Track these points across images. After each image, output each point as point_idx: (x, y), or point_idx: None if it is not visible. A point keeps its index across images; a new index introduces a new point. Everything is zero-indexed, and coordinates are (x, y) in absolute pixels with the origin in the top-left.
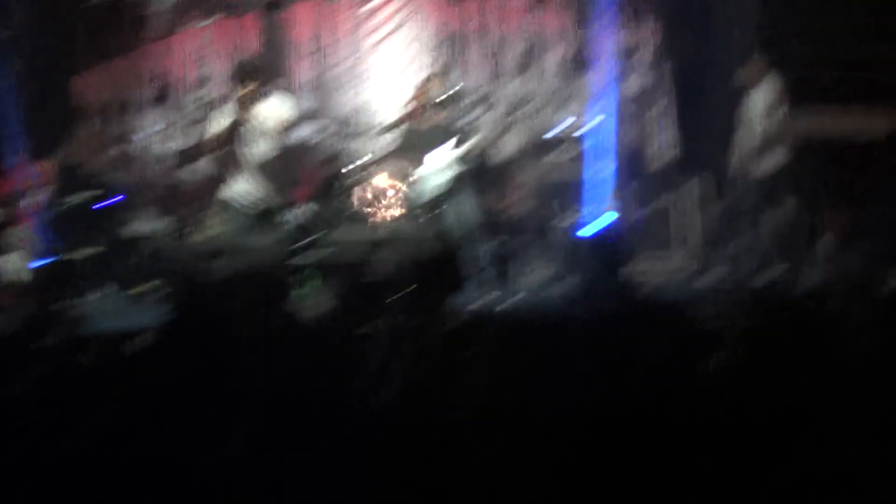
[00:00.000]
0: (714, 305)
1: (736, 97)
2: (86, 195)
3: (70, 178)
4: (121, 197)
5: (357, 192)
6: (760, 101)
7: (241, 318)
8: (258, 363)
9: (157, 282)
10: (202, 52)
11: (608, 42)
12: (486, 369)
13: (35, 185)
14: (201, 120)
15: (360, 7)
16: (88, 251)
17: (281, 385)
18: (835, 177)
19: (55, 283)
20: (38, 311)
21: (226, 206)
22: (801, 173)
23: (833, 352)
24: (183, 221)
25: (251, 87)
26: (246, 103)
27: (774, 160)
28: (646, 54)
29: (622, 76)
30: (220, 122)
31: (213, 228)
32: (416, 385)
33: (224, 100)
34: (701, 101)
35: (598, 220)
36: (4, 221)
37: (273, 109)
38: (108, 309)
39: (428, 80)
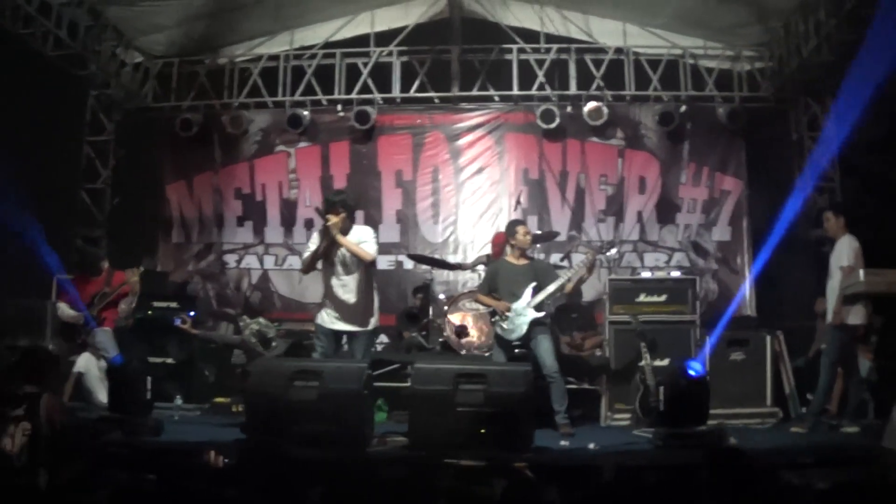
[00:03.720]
0: (796, 457)
1: (815, 252)
2: (167, 305)
3: (153, 288)
4: (194, 313)
5: (438, 323)
6: (839, 258)
7: (312, 442)
8: (327, 492)
9: (232, 397)
10: (288, 175)
11: (692, 193)
12: None
13: (119, 291)
14: (284, 239)
15: (449, 144)
16: (166, 359)
17: None
18: None
19: (130, 388)
20: (112, 415)
21: (316, 328)
22: (880, 328)
23: None
24: (264, 337)
25: (338, 216)
26: (331, 232)
27: (852, 315)
28: (729, 206)
29: (705, 226)
30: (308, 247)
31: (295, 348)
32: None
33: (308, 223)
34: (781, 255)
35: (682, 366)
36: (87, 324)
37: (356, 238)
38: (180, 419)
39: (517, 222)
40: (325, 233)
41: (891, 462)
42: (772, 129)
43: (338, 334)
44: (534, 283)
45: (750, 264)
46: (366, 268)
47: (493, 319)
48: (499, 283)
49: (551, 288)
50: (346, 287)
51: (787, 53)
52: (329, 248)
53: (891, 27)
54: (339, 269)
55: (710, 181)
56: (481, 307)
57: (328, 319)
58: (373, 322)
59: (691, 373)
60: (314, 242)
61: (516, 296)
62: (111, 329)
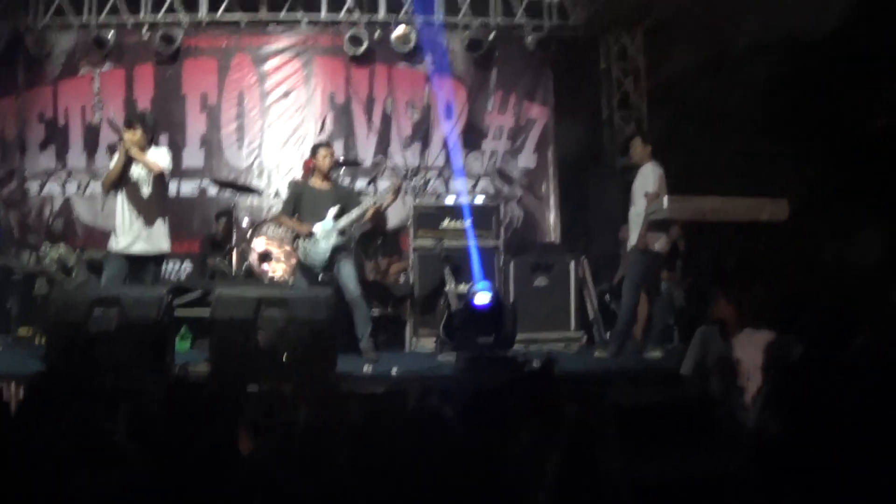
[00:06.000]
0: (596, 382)
1: (621, 180)
2: None
3: None
4: None
5: (242, 250)
6: (644, 185)
7: (116, 370)
8: (131, 418)
9: (35, 328)
10: (93, 99)
11: (499, 120)
12: (365, 438)
13: None
14: (86, 165)
15: (255, 68)
16: None
17: (149, 444)
18: (717, 258)
19: None
20: None
21: (107, 253)
22: (684, 254)
23: (708, 429)
24: (65, 265)
25: (135, 135)
26: (126, 147)
27: (656, 241)
28: (535, 134)
29: (511, 153)
30: (106, 167)
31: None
32: (293, 449)
33: (111, 148)
34: (586, 182)
35: (482, 292)
36: None
37: (153, 159)
38: None
39: (320, 144)
40: (121, 149)
41: (686, 388)
42: (581, 58)
43: (129, 259)
44: (337, 207)
45: (555, 191)
46: (160, 189)
47: (294, 244)
48: (301, 206)
49: (354, 213)
50: (140, 207)
51: None
52: (126, 166)
53: None
54: (133, 188)
55: (516, 109)
56: (283, 231)
57: (122, 243)
58: (165, 245)
59: (477, 297)
60: (114, 161)
61: (319, 219)
62: None
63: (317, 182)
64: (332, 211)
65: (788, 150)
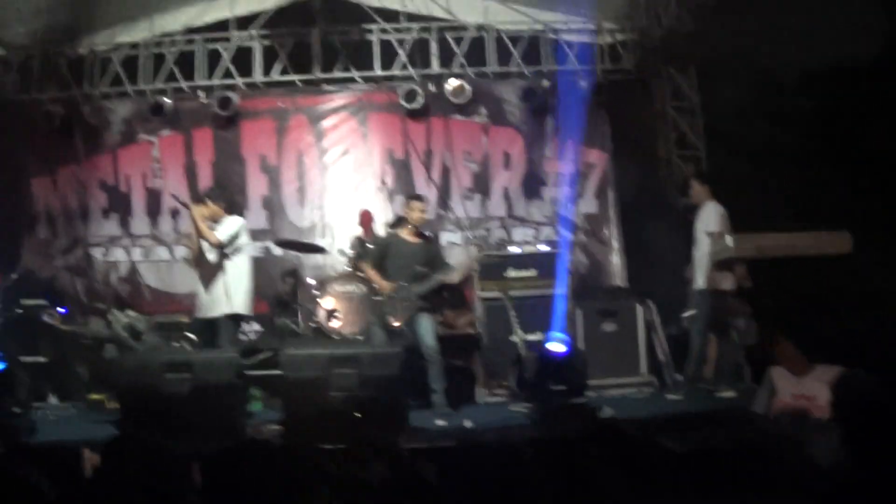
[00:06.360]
0: (669, 427)
1: (682, 220)
2: (36, 303)
3: (21, 285)
4: (64, 309)
5: (309, 308)
6: (707, 224)
7: (189, 434)
8: (203, 483)
9: (107, 393)
10: (154, 165)
11: (559, 167)
12: (441, 493)
13: None
14: (150, 231)
15: (313, 127)
16: (38, 358)
17: None
18: (782, 297)
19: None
20: None
21: (190, 317)
22: (749, 293)
23: (783, 473)
24: (135, 330)
25: (203, 209)
26: (192, 218)
27: (723, 281)
28: (594, 178)
29: (572, 200)
30: (169, 232)
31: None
32: None
33: (173, 213)
34: (648, 224)
35: (556, 341)
36: None
37: (227, 228)
38: (54, 418)
39: (413, 197)
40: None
41: (760, 425)
42: (635, 100)
43: (209, 323)
44: (423, 267)
45: (618, 235)
46: (230, 254)
47: (374, 297)
48: (388, 259)
49: (440, 277)
50: (213, 273)
51: (648, 24)
52: (199, 236)
53: None
54: (208, 256)
55: (574, 154)
56: (353, 289)
57: (200, 308)
58: (240, 307)
59: (551, 346)
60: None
61: (404, 276)
62: None
63: (407, 236)
64: (418, 270)
65: (847, 181)
